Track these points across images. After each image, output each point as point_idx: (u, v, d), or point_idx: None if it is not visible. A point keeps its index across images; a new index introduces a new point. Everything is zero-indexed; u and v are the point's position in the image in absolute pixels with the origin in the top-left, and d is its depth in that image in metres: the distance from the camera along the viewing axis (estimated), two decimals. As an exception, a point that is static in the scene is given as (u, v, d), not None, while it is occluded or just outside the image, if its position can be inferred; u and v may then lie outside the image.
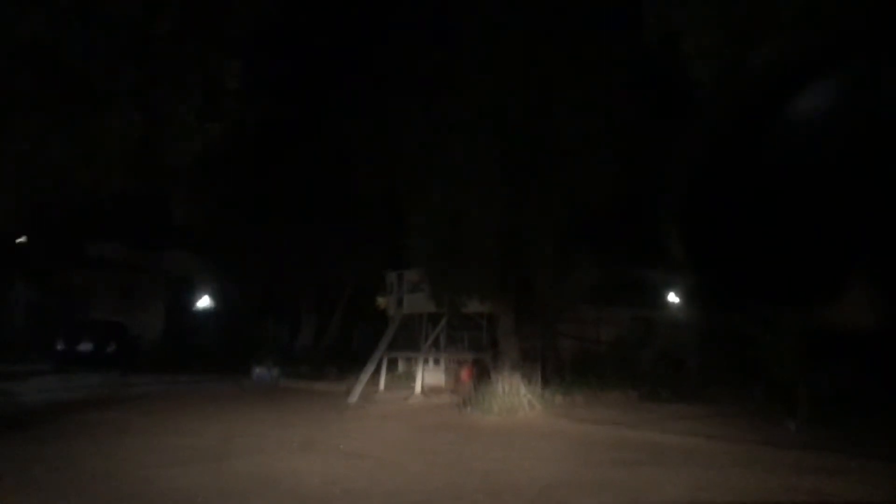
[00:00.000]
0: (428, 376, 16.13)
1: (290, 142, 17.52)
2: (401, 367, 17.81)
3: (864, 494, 6.83)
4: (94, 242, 28.03)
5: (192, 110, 8.66)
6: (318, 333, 23.37)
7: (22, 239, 21.85)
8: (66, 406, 12.62)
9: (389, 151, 13.18)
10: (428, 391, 15.61)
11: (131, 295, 27.26)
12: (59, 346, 19.23)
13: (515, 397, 12.46)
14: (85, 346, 19.42)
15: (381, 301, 21.97)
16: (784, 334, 9.68)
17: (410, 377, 16.54)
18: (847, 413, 10.80)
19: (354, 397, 14.34)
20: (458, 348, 16.59)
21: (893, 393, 9.80)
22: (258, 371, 19.13)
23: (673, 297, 17.57)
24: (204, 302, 29.45)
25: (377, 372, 15.75)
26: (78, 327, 20.63)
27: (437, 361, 16.50)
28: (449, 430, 10.95)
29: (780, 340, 10.27)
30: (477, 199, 11.69)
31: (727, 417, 11.75)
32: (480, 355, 15.55)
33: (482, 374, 14.34)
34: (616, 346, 17.65)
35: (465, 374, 15.51)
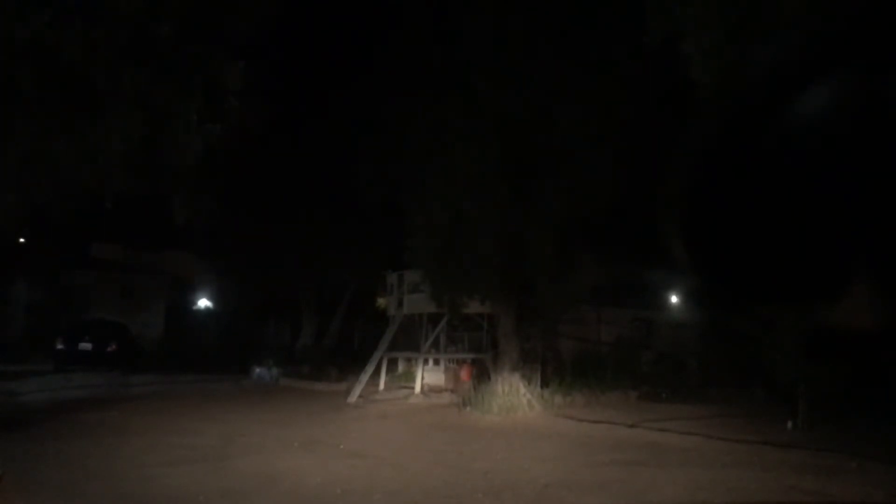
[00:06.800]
0: (428, 376, 16.14)
1: (292, 143, 17.55)
2: (401, 367, 17.83)
3: (863, 495, 6.84)
4: (95, 242, 28.07)
5: (194, 111, 8.66)
6: (318, 333, 23.39)
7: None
8: (66, 406, 12.63)
9: (390, 152, 13.19)
10: (428, 391, 15.62)
11: (132, 295, 27.27)
12: (60, 346, 19.21)
13: (515, 397, 12.47)
14: (85, 346, 19.39)
15: (381, 301, 21.99)
16: (784, 334, 9.66)
17: (410, 377, 16.56)
18: (847, 413, 10.80)
19: (354, 397, 14.36)
20: (458, 348, 16.60)
21: (893, 393, 9.79)
22: (258, 371, 19.14)
23: (673, 298, 17.57)
24: (204, 302, 29.48)
25: (377, 372, 15.77)
26: (78, 327, 20.59)
27: (436, 361, 16.51)
28: (448, 430, 10.96)
29: (780, 340, 10.26)
30: (477, 199, 11.70)
31: (727, 417, 11.75)
32: (480, 355, 15.57)
33: (482, 375, 14.36)
34: (616, 347, 17.65)
35: (464, 373, 15.52)
